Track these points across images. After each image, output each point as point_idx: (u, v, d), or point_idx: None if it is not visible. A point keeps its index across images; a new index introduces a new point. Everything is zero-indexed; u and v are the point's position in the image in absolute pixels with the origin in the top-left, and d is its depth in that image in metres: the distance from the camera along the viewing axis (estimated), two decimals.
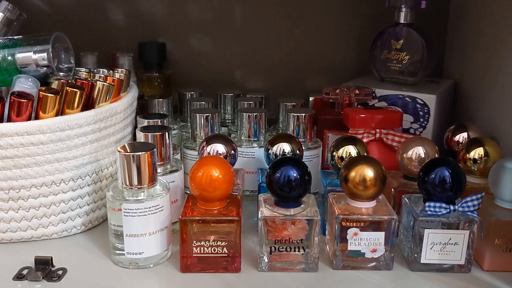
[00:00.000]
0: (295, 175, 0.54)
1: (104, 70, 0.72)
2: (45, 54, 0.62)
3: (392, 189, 0.63)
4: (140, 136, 0.61)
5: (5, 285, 0.53)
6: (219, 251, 0.55)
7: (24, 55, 0.62)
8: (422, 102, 0.80)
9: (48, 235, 0.62)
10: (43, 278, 0.54)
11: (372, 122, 0.71)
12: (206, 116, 0.73)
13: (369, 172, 0.55)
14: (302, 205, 0.56)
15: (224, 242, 0.55)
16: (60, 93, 0.59)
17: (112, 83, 0.65)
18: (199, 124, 0.73)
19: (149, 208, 0.55)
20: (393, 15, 0.85)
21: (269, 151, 0.66)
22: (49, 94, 0.58)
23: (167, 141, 0.62)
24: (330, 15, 0.98)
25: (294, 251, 0.56)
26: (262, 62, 1.00)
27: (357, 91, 0.79)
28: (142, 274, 0.56)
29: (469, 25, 0.87)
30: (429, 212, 0.55)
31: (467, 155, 0.64)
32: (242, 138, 0.74)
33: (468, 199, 0.54)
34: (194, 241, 0.55)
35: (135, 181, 0.55)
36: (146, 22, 0.98)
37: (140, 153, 0.54)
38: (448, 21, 0.96)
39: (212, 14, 0.98)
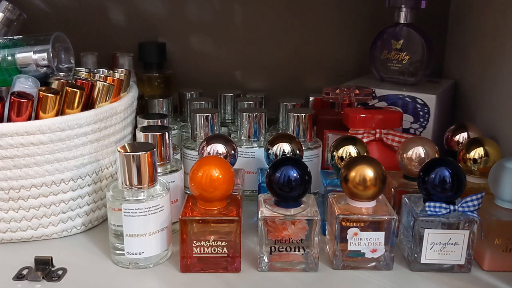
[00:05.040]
0: (295, 175, 0.54)
1: (104, 70, 0.72)
2: (45, 54, 0.62)
3: (392, 189, 0.63)
4: (140, 136, 0.61)
5: (5, 285, 0.53)
6: (219, 251, 0.55)
7: (24, 55, 0.62)
8: (422, 102, 0.80)
9: (48, 235, 0.62)
10: (43, 278, 0.54)
11: (372, 122, 0.71)
12: (206, 116, 0.73)
13: (369, 172, 0.55)
14: (302, 205, 0.56)
15: (224, 242, 0.55)
16: (60, 93, 0.59)
17: (112, 83, 0.65)
18: (199, 124, 0.73)
19: (149, 208, 0.55)
20: (393, 15, 0.85)
21: (269, 151, 0.66)
22: (49, 94, 0.58)
23: (167, 141, 0.62)
24: (330, 15, 0.98)
25: (294, 251, 0.56)
26: (262, 62, 1.00)
27: (357, 91, 0.79)
28: (142, 274, 0.56)
29: (469, 25, 0.87)
30: (429, 212, 0.55)
31: (467, 155, 0.64)
32: (242, 138, 0.74)
33: (468, 199, 0.54)
34: (194, 241, 0.55)
35: (135, 181, 0.55)
36: (146, 22, 0.98)
37: (140, 153, 0.54)
38: (448, 21, 0.96)
39: (212, 14, 0.98)
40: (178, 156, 0.71)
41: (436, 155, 0.63)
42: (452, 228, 0.55)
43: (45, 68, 0.62)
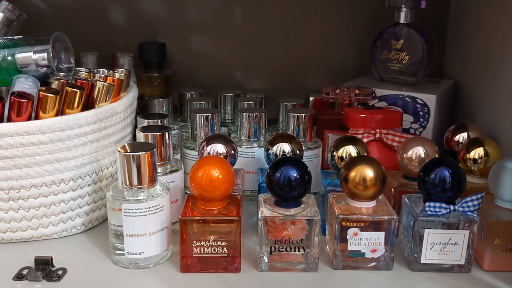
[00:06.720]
0: (295, 175, 0.54)
1: (104, 70, 0.72)
2: (45, 54, 0.62)
3: (392, 189, 0.63)
4: (140, 136, 0.61)
5: (5, 285, 0.53)
6: (219, 251, 0.55)
7: (24, 55, 0.62)
8: (422, 102, 0.80)
9: (48, 235, 0.62)
10: (43, 278, 0.54)
11: (372, 122, 0.71)
12: (206, 116, 0.73)
13: (369, 172, 0.55)
14: (302, 205, 0.56)
15: (224, 242, 0.55)
16: (60, 93, 0.59)
17: (112, 83, 0.65)
18: (199, 124, 0.73)
19: (149, 208, 0.55)
20: (393, 15, 0.85)
21: (269, 151, 0.66)
22: (49, 94, 0.58)
23: (167, 141, 0.62)
24: (330, 15, 0.98)
25: (294, 251, 0.56)
26: (262, 62, 1.00)
27: (357, 91, 0.79)
28: (142, 274, 0.56)
29: (469, 25, 0.87)
30: (429, 212, 0.55)
31: (467, 155, 0.64)
32: (242, 138, 0.74)
33: (468, 199, 0.54)
34: (194, 241, 0.55)
35: (135, 181, 0.55)
36: (146, 22, 0.98)
37: (140, 153, 0.54)
38: (448, 21, 0.96)
39: (212, 14, 0.98)
40: (178, 156, 0.71)
41: (436, 155, 0.63)
42: (452, 228, 0.55)
43: (45, 68, 0.62)
